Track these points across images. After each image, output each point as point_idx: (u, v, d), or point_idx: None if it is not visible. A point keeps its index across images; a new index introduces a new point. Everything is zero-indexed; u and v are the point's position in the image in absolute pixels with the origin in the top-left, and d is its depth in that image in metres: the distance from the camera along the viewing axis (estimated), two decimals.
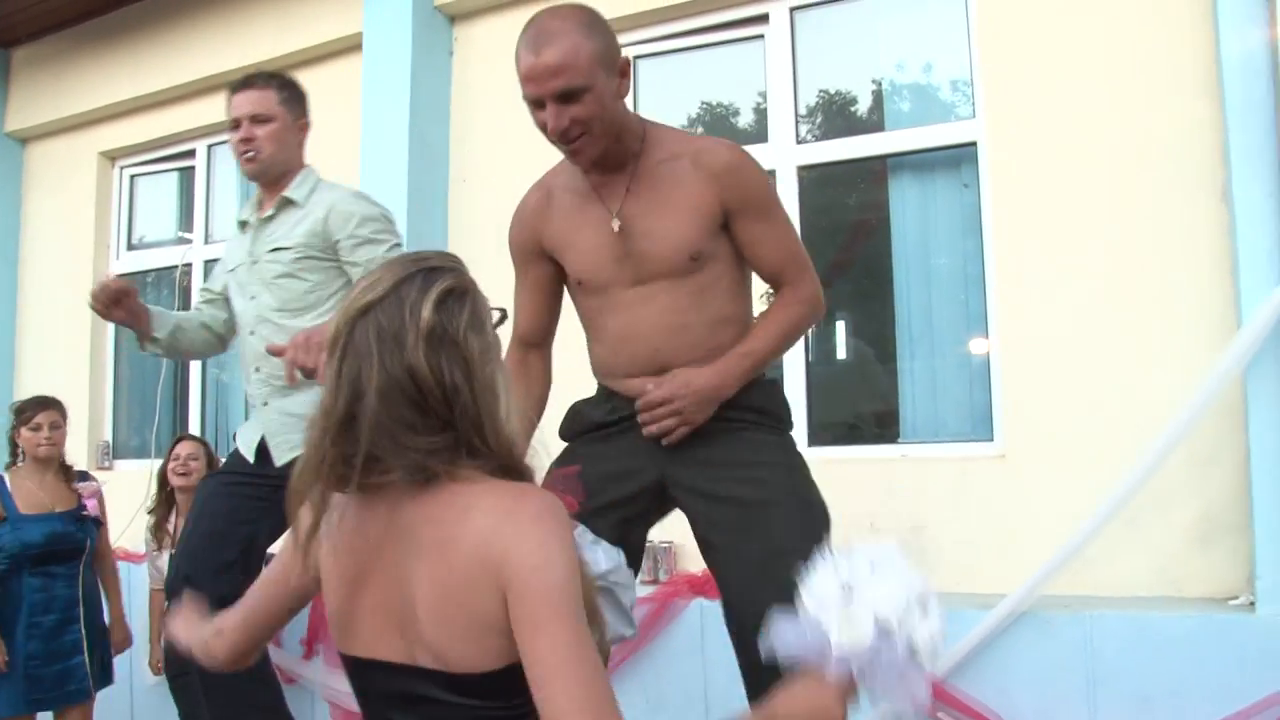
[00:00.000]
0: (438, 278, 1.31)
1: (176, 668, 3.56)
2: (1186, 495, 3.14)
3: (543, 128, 2.08)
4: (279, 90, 3.01)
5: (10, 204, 6.13)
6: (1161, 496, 3.11)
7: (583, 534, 1.76)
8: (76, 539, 3.65)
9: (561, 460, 2.25)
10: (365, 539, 1.32)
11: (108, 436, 5.83)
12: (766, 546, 2.02)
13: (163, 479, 4.13)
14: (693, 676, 3.45)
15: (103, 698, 3.85)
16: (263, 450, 2.99)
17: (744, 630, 2.06)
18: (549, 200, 2.28)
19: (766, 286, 2.28)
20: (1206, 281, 3.18)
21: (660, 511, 2.29)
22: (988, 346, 3.60)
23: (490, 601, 1.21)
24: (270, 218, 3.02)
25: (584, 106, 2.00)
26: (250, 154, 2.96)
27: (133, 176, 5.98)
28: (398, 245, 2.97)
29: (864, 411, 4.12)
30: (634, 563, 2.22)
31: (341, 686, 3.67)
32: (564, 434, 2.35)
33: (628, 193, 2.14)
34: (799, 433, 3.77)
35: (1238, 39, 3.01)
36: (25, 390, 5.87)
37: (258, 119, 2.95)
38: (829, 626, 1.33)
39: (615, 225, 2.13)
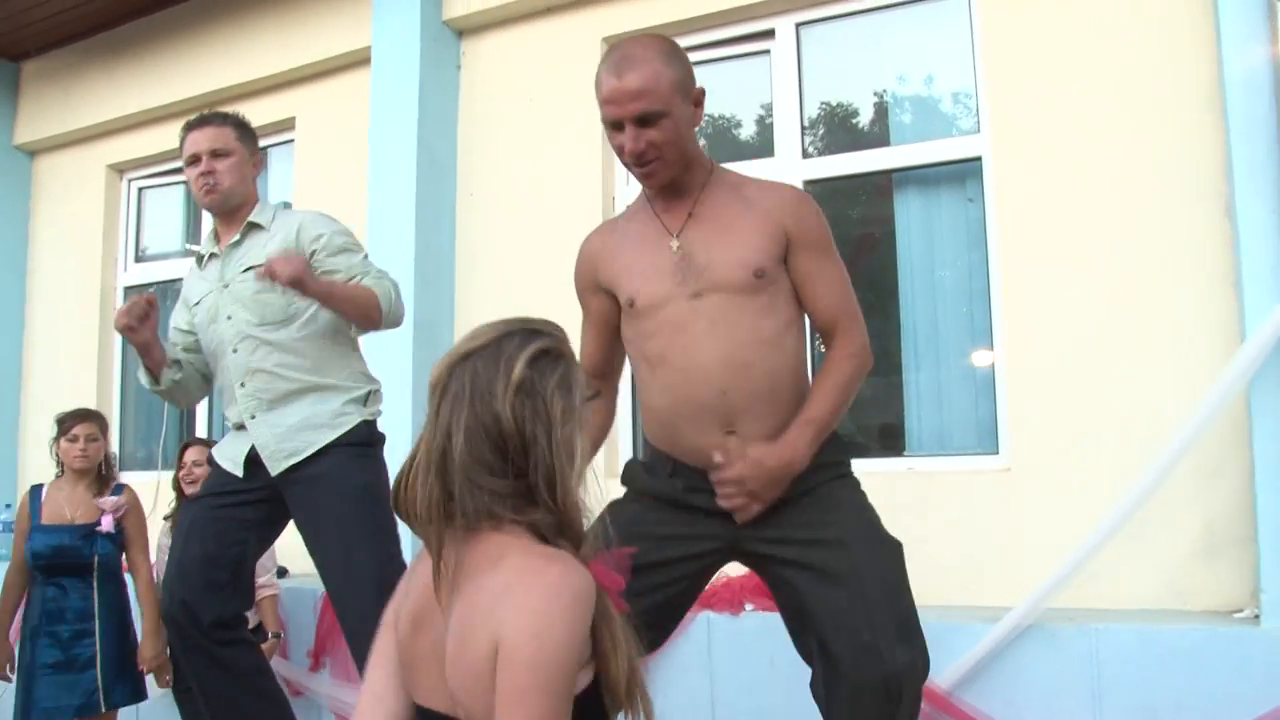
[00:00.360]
0: (536, 339, 1.40)
1: (182, 680, 3.59)
2: (1191, 508, 3.16)
3: (619, 150, 2.13)
4: (235, 128, 3.11)
5: (19, 216, 6.17)
6: (1166, 510, 3.13)
7: None
8: (82, 554, 3.65)
9: (628, 506, 2.26)
10: (424, 581, 1.38)
11: (115, 448, 5.83)
12: (853, 589, 2.04)
13: (177, 487, 4.15)
14: (700, 690, 3.46)
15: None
16: (251, 463, 3.01)
17: (840, 665, 2.04)
18: (612, 236, 2.32)
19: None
20: (1210, 295, 3.21)
21: (717, 569, 2.30)
22: (992, 360, 3.62)
23: (486, 659, 1.23)
24: (237, 244, 3.09)
25: (660, 131, 2.07)
26: (210, 186, 3.04)
27: (140, 189, 6.02)
28: (367, 256, 3.14)
29: (870, 424, 4.14)
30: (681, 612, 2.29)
31: (348, 699, 3.68)
32: (629, 484, 2.35)
33: (690, 217, 2.18)
34: None
35: (1240, 56, 3.05)
36: (33, 402, 5.92)
37: (217, 153, 3.03)
38: None
39: (674, 245, 2.16)
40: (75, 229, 5.99)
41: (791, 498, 2.11)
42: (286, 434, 2.96)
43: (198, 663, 2.98)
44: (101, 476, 3.83)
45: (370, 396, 3.10)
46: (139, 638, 3.77)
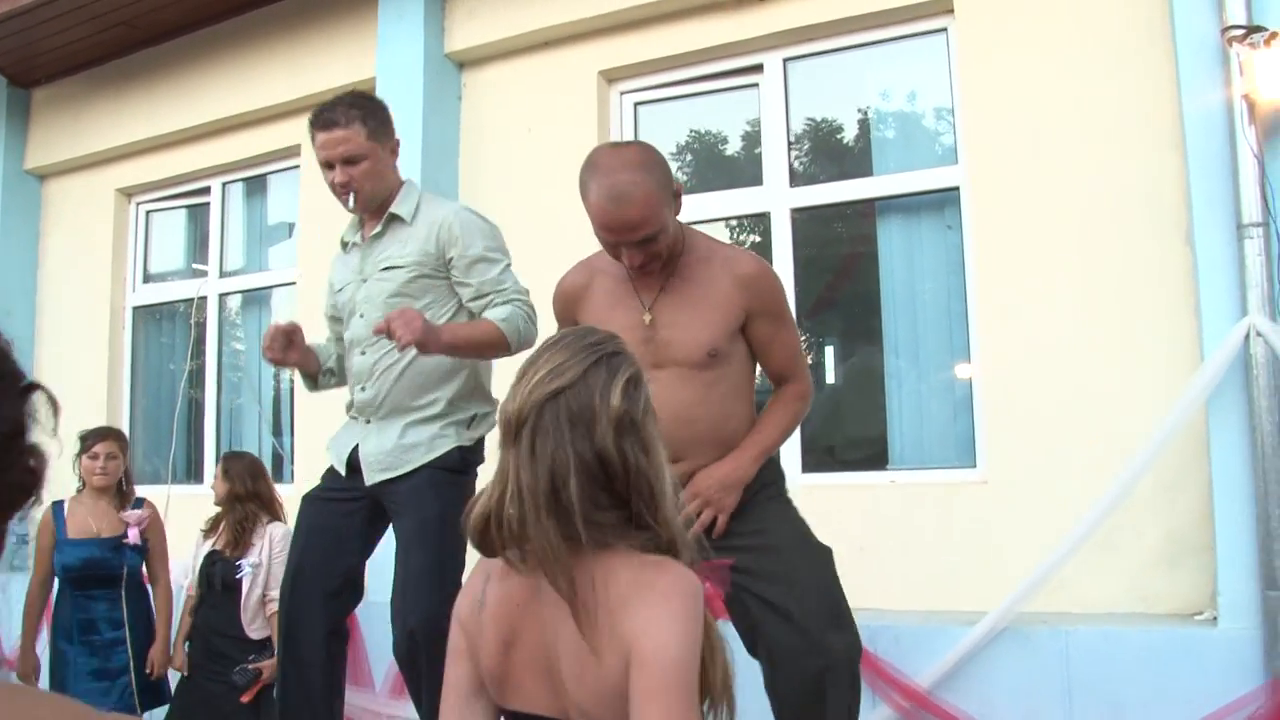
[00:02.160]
0: (620, 365, 1.43)
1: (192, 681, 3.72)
2: (1155, 519, 3.37)
3: (616, 256, 2.34)
4: (364, 123, 2.85)
5: (29, 238, 6.32)
6: (1132, 520, 3.34)
7: None
8: (112, 565, 3.83)
9: None
10: (512, 603, 1.43)
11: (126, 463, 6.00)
12: (787, 583, 2.32)
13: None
14: None
15: None
16: (353, 465, 2.96)
17: (779, 655, 2.32)
18: (590, 281, 2.53)
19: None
20: (1171, 318, 3.42)
21: None
22: (970, 378, 3.83)
23: (617, 668, 1.30)
24: (378, 235, 2.94)
25: (658, 244, 2.29)
26: (351, 194, 2.87)
27: (148, 212, 6.19)
28: (509, 265, 2.92)
29: (854, 440, 4.34)
30: None
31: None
32: None
33: (662, 290, 2.40)
34: (793, 460, 4.02)
35: (1198, 96, 3.27)
36: (43, 420, 6.05)
37: (350, 160, 2.82)
38: None
39: (647, 318, 2.39)
40: (84, 251, 6.15)
41: (733, 512, 2.37)
42: (392, 450, 2.87)
43: (303, 675, 2.89)
44: (121, 491, 4.00)
45: (475, 420, 2.96)
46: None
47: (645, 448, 1.40)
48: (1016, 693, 3.24)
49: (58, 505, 3.97)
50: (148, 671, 3.84)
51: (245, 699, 3.87)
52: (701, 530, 2.31)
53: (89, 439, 3.96)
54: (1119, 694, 3.13)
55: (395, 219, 2.94)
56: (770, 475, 2.51)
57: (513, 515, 1.37)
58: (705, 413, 2.37)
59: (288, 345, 2.88)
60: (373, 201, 2.92)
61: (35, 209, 6.36)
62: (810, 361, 4.42)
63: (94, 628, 3.78)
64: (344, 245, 3.11)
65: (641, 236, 2.25)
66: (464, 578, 1.64)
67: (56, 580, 3.87)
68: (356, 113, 2.84)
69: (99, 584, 3.81)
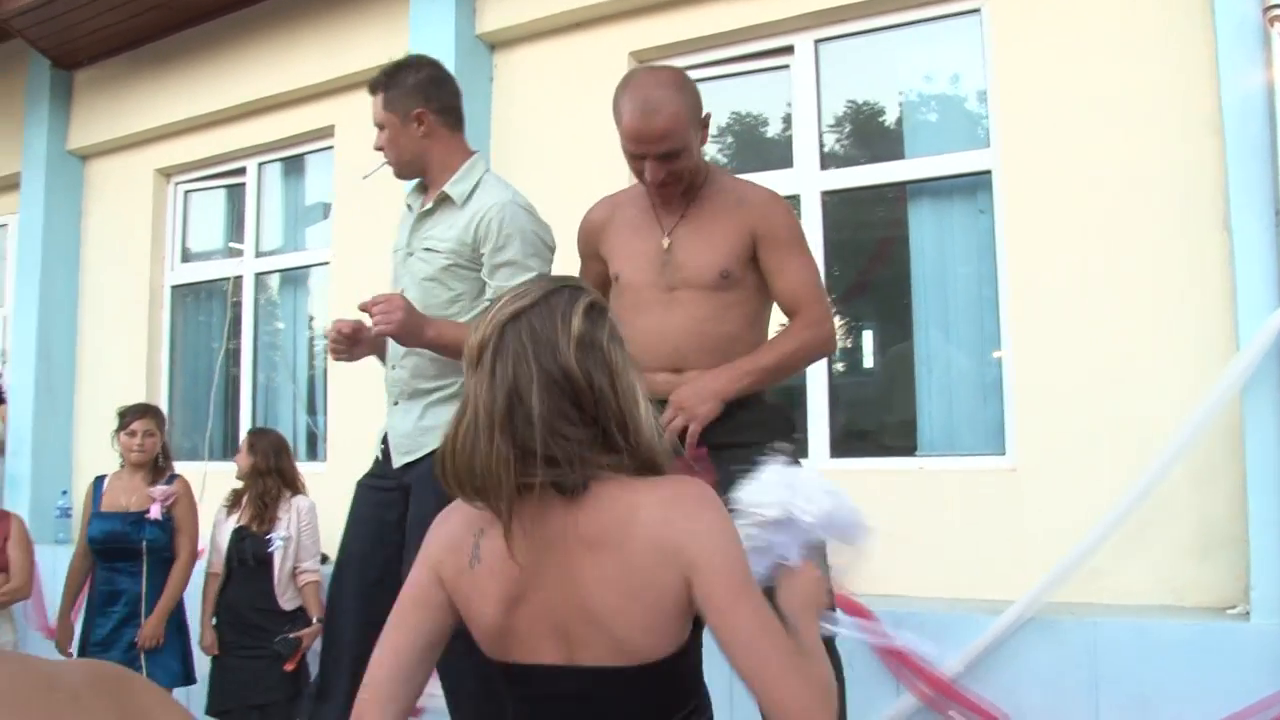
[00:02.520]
0: (582, 294, 1.46)
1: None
2: (1187, 509, 3.32)
3: (639, 174, 2.41)
4: (384, 91, 2.79)
5: (72, 218, 6.42)
6: (1164, 510, 3.29)
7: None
8: (131, 539, 3.90)
9: None
10: (501, 560, 1.41)
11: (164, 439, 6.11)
12: None
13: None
14: (719, 679, 3.64)
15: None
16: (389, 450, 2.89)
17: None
18: (613, 213, 2.62)
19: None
20: (1207, 306, 3.35)
21: None
22: (1000, 364, 3.78)
23: (673, 586, 1.33)
24: (429, 212, 2.82)
25: (680, 162, 2.37)
26: (386, 160, 2.87)
27: (186, 192, 6.26)
28: (541, 275, 2.64)
29: (883, 425, 4.31)
30: None
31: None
32: None
33: (682, 218, 2.48)
34: (822, 445, 4.01)
35: (1238, 79, 3.19)
36: (85, 397, 6.19)
37: (379, 127, 2.81)
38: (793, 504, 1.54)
39: (665, 242, 2.46)
40: (124, 230, 6.24)
41: (731, 449, 2.28)
42: (411, 432, 2.79)
43: (340, 661, 2.81)
44: (158, 468, 4.07)
45: None
46: (191, 622, 4.02)
47: (611, 371, 1.41)
48: (1042, 683, 3.22)
49: (99, 480, 4.07)
50: (135, 642, 3.85)
51: (289, 667, 3.96)
52: (674, 435, 2.26)
53: (127, 415, 4.04)
54: (1147, 687, 3.09)
55: (446, 199, 2.79)
56: (780, 425, 2.48)
57: (465, 444, 1.36)
58: (715, 329, 2.41)
59: (355, 343, 2.77)
60: (405, 170, 2.85)
61: (78, 189, 6.46)
62: (843, 346, 4.40)
63: (115, 600, 3.86)
64: (408, 207, 2.99)
65: (666, 149, 2.31)
66: None
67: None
68: (381, 80, 2.81)
69: (121, 557, 3.89)
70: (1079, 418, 3.52)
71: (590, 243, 2.66)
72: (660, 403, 2.41)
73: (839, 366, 4.32)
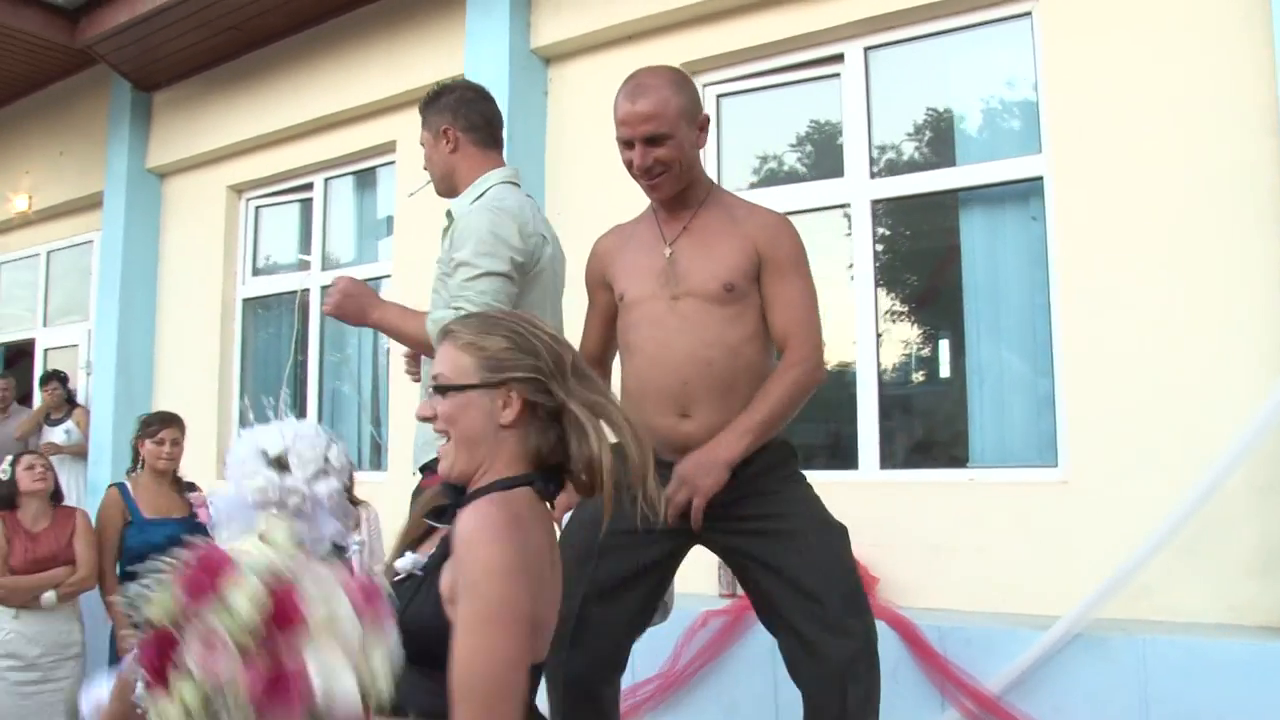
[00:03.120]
0: None
1: None
2: (1245, 524, 3.20)
3: (629, 165, 2.43)
4: (422, 111, 2.86)
5: (150, 233, 6.67)
6: (1220, 525, 3.18)
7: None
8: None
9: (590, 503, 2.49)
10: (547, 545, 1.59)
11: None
12: (808, 567, 2.29)
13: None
14: (763, 684, 3.62)
15: None
16: None
17: (803, 639, 2.31)
18: (619, 238, 2.62)
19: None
20: (1266, 313, 3.24)
21: (682, 555, 2.50)
22: (1053, 374, 3.69)
23: None
24: (446, 229, 2.80)
25: (666, 150, 2.37)
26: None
27: (257, 208, 6.45)
28: (487, 274, 2.51)
29: (934, 436, 4.25)
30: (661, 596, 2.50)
31: None
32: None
33: (684, 230, 2.47)
34: (871, 457, 3.96)
35: None
36: (163, 403, 6.39)
37: (422, 146, 2.86)
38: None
39: (667, 252, 2.45)
40: (199, 245, 6.46)
41: (743, 496, 2.31)
42: (420, 443, 2.71)
43: None
44: (176, 475, 4.17)
45: None
46: None
47: None
48: (1090, 701, 3.13)
49: (122, 486, 4.14)
50: None
51: None
52: (677, 513, 2.25)
53: (154, 424, 4.11)
54: (1200, 709, 2.98)
55: (450, 216, 2.79)
56: (782, 456, 2.45)
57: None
58: (721, 355, 2.35)
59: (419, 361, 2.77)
60: (440, 186, 2.86)
61: (156, 206, 6.71)
62: (893, 356, 4.34)
63: None
64: None
65: (650, 131, 2.33)
66: None
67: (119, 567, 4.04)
68: (421, 102, 2.87)
69: None
70: (1134, 429, 3.42)
71: (597, 272, 2.62)
72: (662, 464, 2.34)
73: (889, 377, 4.25)
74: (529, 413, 1.57)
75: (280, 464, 1.35)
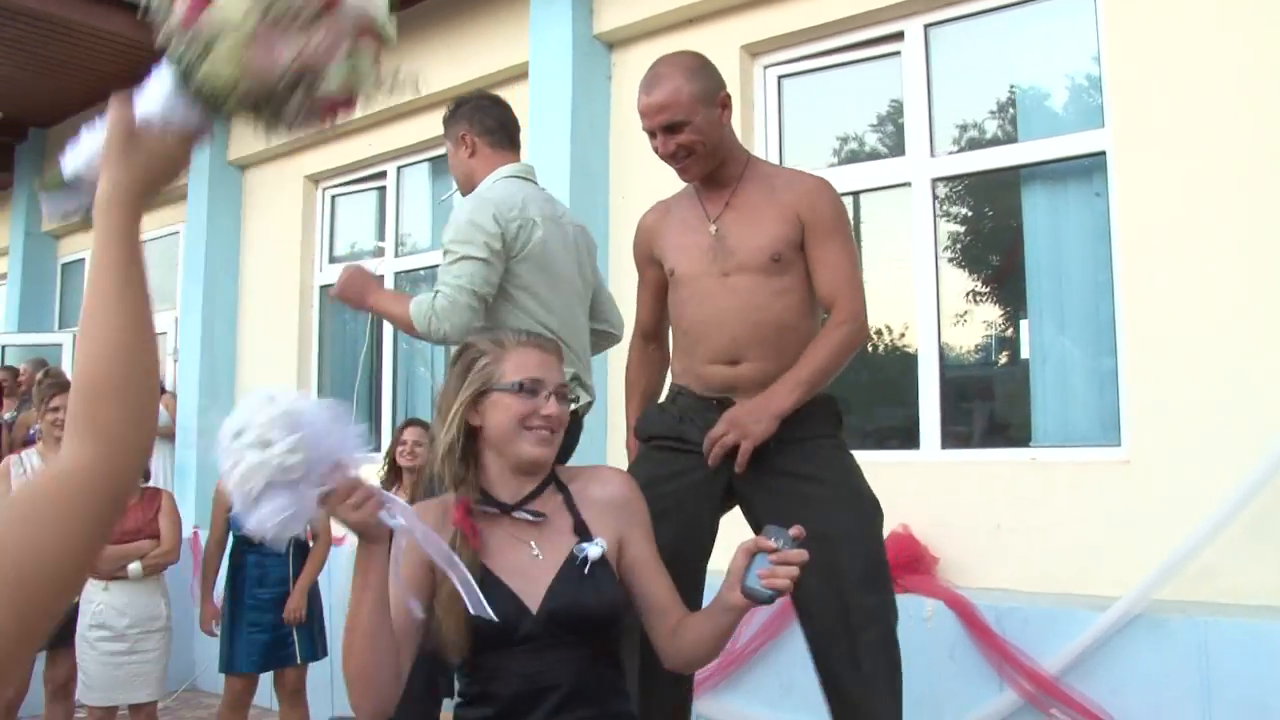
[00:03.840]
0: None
1: None
2: None
3: (656, 151, 2.52)
4: (445, 123, 3.08)
5: (233, 224, 6.91)
6: None
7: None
8: None
9: (639, 462, 2.58)
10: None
11: None
12: (823, 536, 2.24)
13: (391, 457, 4.53)
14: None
15: (317, 667, 4.36)
16: None
17: (808, 606, 2.35)
18: (665, 215, 2.68)
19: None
20: None
21: (720, 509, 2.54)
22: (1116, 353, 3.63)
23: None
24: None
25: (686, 135, 2.43)
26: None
27: (334, 197, 6.63)
28: (465, 258, 2.65)
29: (996, 416, 4.21)
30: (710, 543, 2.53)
31: None
32: (640, 435, 2.65)
33: (727, 205, 2.52)
34: (932, 437, 3.95)
35: None
36: (245, 388, 6.63)
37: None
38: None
39: (712, 229, 2.51)
40: (278, 234, 6.66)
41: (783, 446, 2.34)
42: None
43: None
44: None
45: None
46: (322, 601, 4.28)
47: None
48: (1150, 684, 3.08)
49: None
50: (285, 618, 4.14)
51: None
52: (723, 453, 2.32)
53: None
54: (1263, 694, 2.90)
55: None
56: (828, 423, 2.48)
57: None
58: (770, 316, 2.42)
59: None
60: (465, 189, 3.01)
61: (237, 197, 6.93)
62: (960, 335, 4.30)
63: (264, 582, 4.14)
64: None
65: (666, 121, 2.41)
66: None
67: (232, 538, 4.24)
68: (445, 114, 3.10)
69: (257, 549, 4.15)
70: (1197, 408, 3.35)
71: (644, 248, 2.70)
72: (713, 400, 2.46)
73: (951, 356, 4.22)
74: None
75: (261, 444, 1.35)
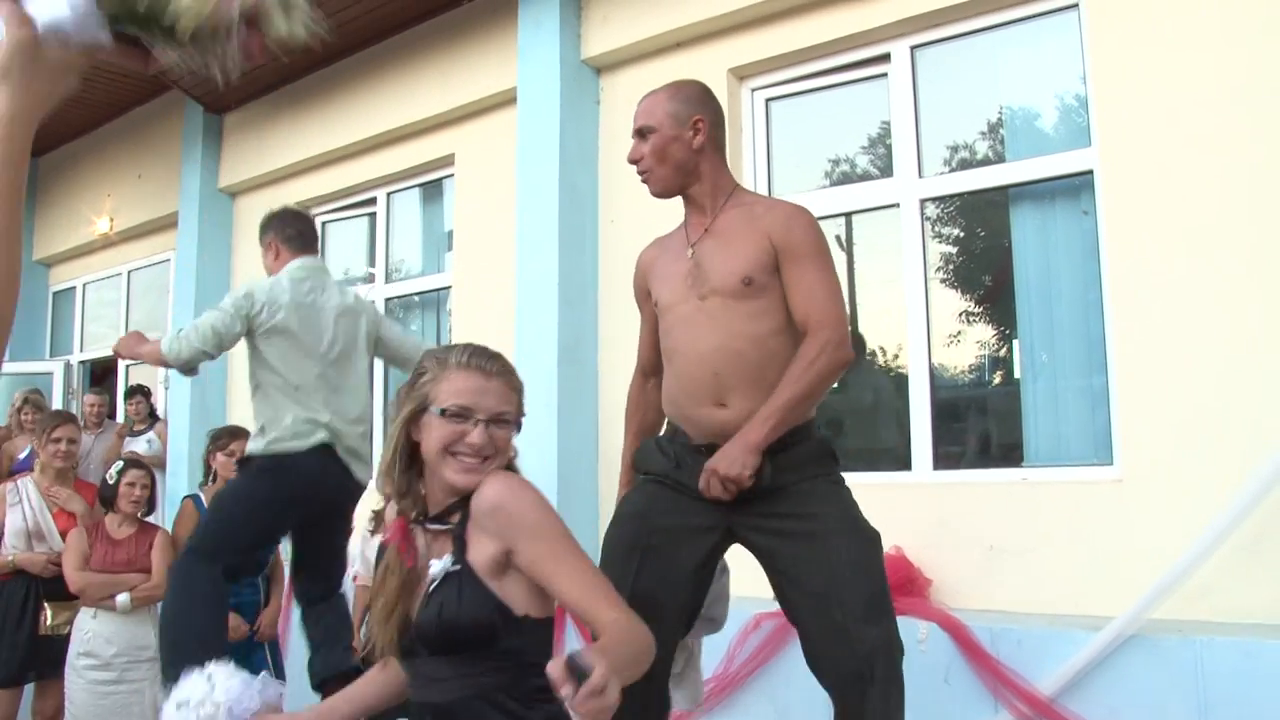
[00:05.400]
0: None
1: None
2: None
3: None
4: (259, 228, 3.89)
5: (223, 251, 6.90)
6: None
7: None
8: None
9: (636, 491, 2.57)
10: None
11: None
12: (827, 572, 2.30)
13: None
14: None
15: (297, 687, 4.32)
16: None
17: (816, 645, 2.34)
18: (657, 249, 2.71)
19: None
20: None
21: (718, 554, 2.53)
22: (1107, 371, 3.62)
23: None
24: None
25: (649, 143, 2.54)
26: None
27: (325, 223, 6.61)
28: (215, 310, 3.47)
29: (987, 436, 4.19)
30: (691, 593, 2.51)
31: None
32: (638, 468, 2.63)
33: (705, 232, 2.55)
34: (924, 457, 3.93)
35: None
36: (237, 417, 6.58)
37: None
38: None
39: (689, 254, 2.53)
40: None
41: (779, 489, 2.34)
42: None
43: None
44: None
45: (263, 430, 3.53)
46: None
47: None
48: (1145, 705, 3.06)
49: (197, 498, 4.32)
50: (254, 627, 4.15)
51: None
52: (715, 498, 2.31)
53: (223, 438, 4.29)
54: (1261, 715, 2.89)
55: None
56: (822, 459, 2.46)
57: None
58: (750, 347, 2.42)
59: None
60: None
61: (228, 225, 6.93)
62: (950, 355, 4.29)
63: (239, 611, 4.11)
64: None
65: (639, 125, 2.57)
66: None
67: None
68: None
69: (250, 572, 4.12)
70: (1189, 425, 3.34)
71: (641, 284, 2.73)
72: (702, 447, 2.43)
73: (942, 376, 4.21)
74: None
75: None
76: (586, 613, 1.62)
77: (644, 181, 2.60)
